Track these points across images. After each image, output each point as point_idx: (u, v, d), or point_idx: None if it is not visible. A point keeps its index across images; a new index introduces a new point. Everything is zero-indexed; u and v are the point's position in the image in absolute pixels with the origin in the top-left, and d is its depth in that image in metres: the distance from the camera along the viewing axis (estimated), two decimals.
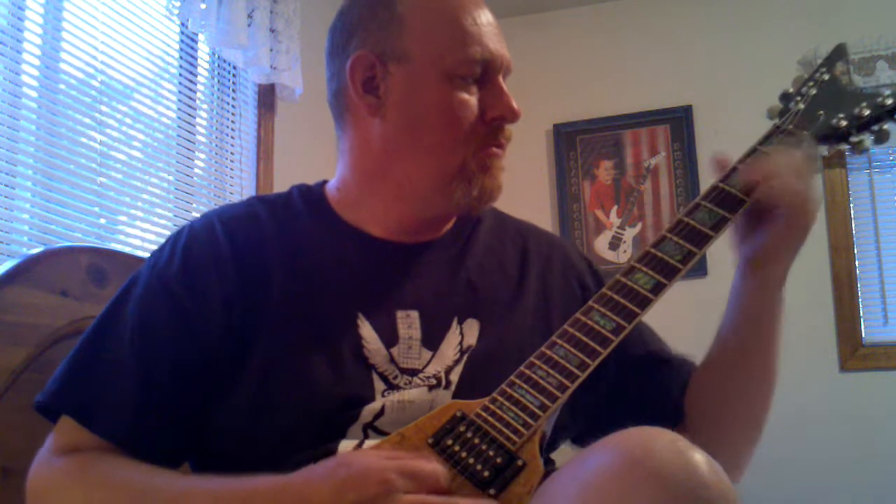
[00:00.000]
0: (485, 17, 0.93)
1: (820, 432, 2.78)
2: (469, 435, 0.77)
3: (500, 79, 0.93)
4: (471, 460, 0.75)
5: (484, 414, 0.78)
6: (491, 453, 0.75)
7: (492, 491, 0.72)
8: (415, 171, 0.93)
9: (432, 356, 0.90)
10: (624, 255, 3.12)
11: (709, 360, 0.99)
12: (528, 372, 0.81)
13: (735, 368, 0.96)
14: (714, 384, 0.98)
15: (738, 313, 0.94)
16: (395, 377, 0.87)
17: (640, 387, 1.01)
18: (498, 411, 0.78)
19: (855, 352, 2.85)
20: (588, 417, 0.96)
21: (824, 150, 0.95)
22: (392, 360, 0.88)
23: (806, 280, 2.84)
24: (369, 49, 0.92)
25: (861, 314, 2.87)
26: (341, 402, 0.84)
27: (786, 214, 0.87)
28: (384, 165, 0.94)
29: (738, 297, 0.94)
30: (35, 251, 1.11)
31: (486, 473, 0.73)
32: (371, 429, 0.84)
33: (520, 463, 0.74)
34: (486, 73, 0.92)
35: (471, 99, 0.91)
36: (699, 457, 0.63)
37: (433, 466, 0.71)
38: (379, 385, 0.86)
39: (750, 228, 0.90)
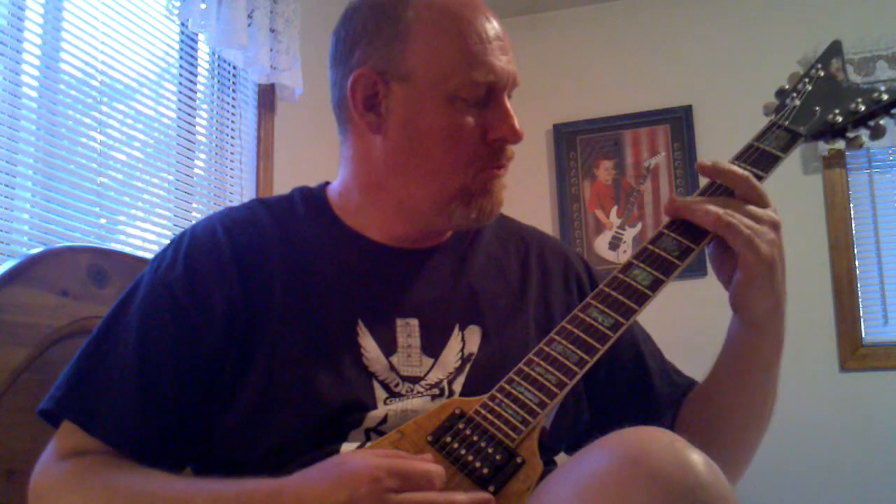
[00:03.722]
0: (492, 31, 0.90)
1: (820, 432, 2.78)
2: (468, 432, 0.77)
3: (505, 98, 0.91)
4: (470, 458, 0.75)
5: (483, 411, 0.79)
6: (490, 450, 0.75)
7: (491, 488, 0.72)
8: (414, 190, 0.92)
9: (434, 363, 0.90)
10: (624, 256, 3.12)
11: (702, 391, 1.00)
12: (526, 369, 0.81)
13: (727, 404, 0.96)
14: (706, 411, 0.98)
15: (729, 350, 0.94)
16: (397, 385, 0.87)
17: (628, 403, 1.01)
18: (497, 408, 0.78)
19: (855, 352, 2.85)
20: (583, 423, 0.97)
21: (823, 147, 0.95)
22: (392, 368, 0.88)
23: (806, 280, 2.85)
24: (371, 65, 0.90)
25: (861, 314, 2.87)
26: (343, 408, 0.85)
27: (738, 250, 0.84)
28: (384, 180, 0.93)
29: (728, 333, 0.94)
30: (35, 251, 1.11)
31: (485, 471, 0.73)
32: (374, 432, 0.84)
33: (519, 460, 0.74)
34: (491, 93, 0.90)
35: (473, 122, 0.89)
36: (697, 457, 0.63)
37: (427, 467, 0.71)
38: (380, 393, 0.86)
39: (721, 269, 0.89)
